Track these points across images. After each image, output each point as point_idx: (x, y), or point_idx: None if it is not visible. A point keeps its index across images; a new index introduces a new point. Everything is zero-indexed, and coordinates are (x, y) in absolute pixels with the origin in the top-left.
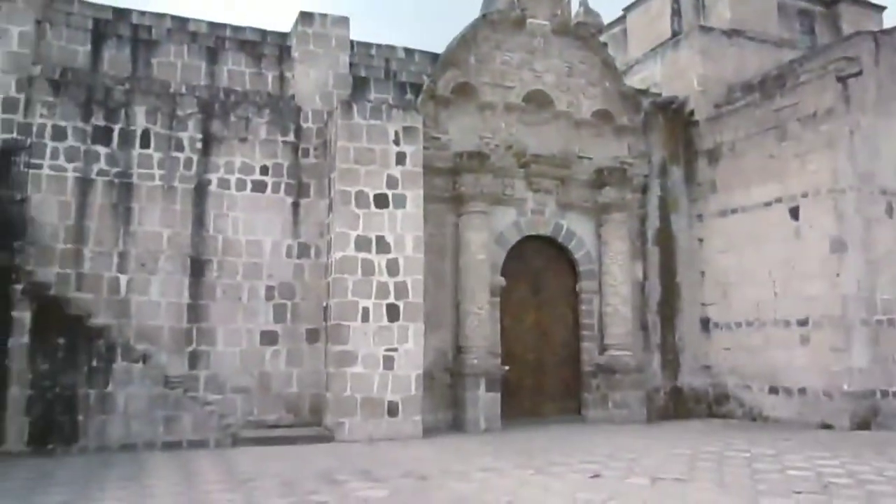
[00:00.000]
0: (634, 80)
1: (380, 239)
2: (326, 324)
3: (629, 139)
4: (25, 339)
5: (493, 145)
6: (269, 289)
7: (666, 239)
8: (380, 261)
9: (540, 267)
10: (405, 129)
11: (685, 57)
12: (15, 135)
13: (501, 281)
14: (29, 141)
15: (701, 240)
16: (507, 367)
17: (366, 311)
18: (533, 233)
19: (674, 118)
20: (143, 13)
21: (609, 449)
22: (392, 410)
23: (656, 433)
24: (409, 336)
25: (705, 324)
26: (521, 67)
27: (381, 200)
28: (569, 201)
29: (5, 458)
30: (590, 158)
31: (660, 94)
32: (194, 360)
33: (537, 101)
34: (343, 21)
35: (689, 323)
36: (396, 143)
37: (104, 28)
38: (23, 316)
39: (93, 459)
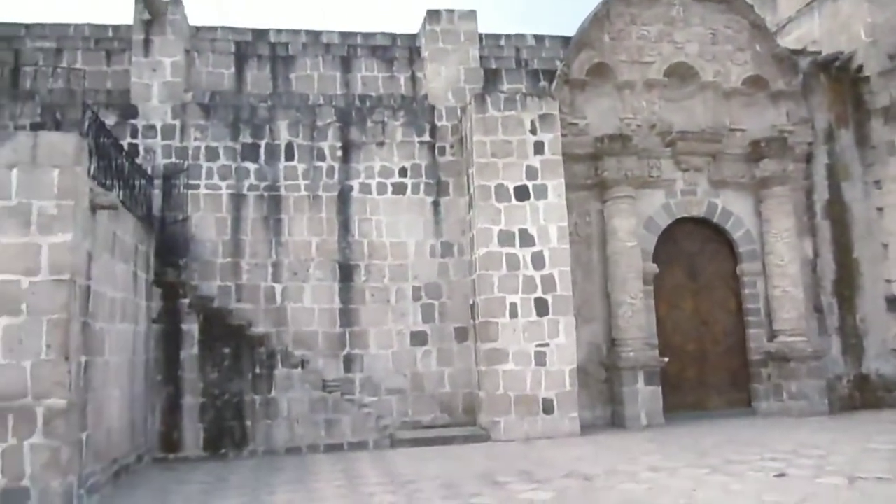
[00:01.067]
0: (788, 41)
1: (523, 232)
2: (474, 322)
3: (787, 105)
4: (195, 350)
5: (635, 126)
6: (416, 289)
7: (838, 211)
8: (524, 254)
9: (694, 251)
10: (541, 117)
11: (848, 7)
12: (174, 159)
13: (654, 268)
14: (186, 164)
15: (881, 209)
16: (666, 359)
17: (513, 306)
18: (685, 215)
19: (839, 77)
20: (279, 31)
21: (790, 444)
22: (547, 408)
23: (842, 426)
24: (560, 330)
25: (892, 302)
26: (660, 40)
27: (521, 192)
28: (722, 178)
29: (184, 463)
30: (743, 130)
31: (819, 53)
32: (349, 363)
33: (680, 74)
34: (470, 15)
35: (872, 302)
36: (533, 132)
37: (245, 50)
38: (191, 328)
39: (262, 463)
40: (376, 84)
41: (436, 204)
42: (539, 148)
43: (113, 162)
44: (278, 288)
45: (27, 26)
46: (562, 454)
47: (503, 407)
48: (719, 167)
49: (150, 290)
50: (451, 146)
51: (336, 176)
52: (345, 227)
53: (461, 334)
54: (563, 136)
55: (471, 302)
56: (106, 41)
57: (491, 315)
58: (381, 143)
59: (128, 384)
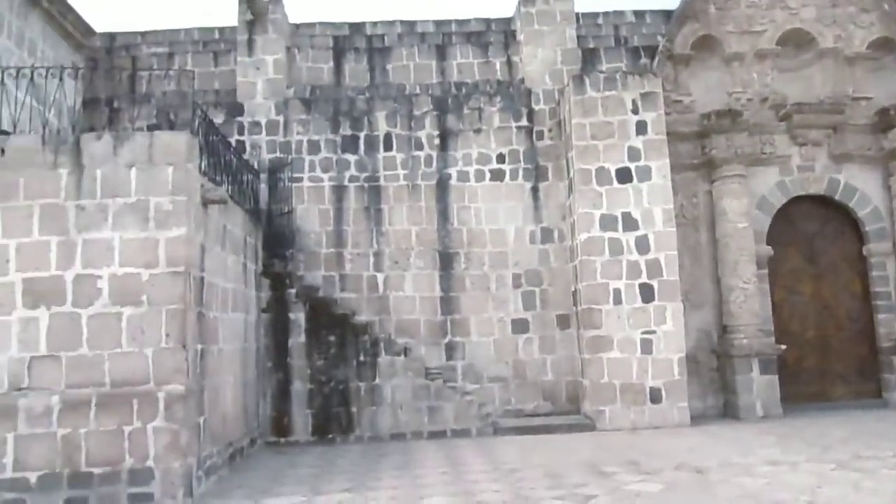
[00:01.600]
0: None
1: (626, 216)
2: (577, 308)
3: None
4: (302, 338)
5: (745, 100)
6: (516, 277)
7: None
8: (628, 239)
9: (814, 231)
10: (643, 95)
11: None
12: (278, 154)
13: (768, 250)
14: (290, 157)
15: None
16: (783, 346)
17: (617, 292)
18: (802, 193)
19: None
20: (375, 24)
21: None
22: (654, 397)
23: None
24: (668, 317)
25: None
26: (772, 7)
27: (623, 175)
28: (845, 152)
29: (294, 447)
30: (868, 98)
31: None
32: (451, 351)
33: (795, 41)
34: None
35: None
36: (635, 111)
37: (343, 44)
38: (298, 317)
39: (367, 448)
40: (472, 70)
41: (535, 189)
42: (641, 128)
43: (222, 158)
44: (380, 277)
45: (143, 34)
46: (671, 445)
47: (608, 396)
48: (841, 140)
49: (259, 281)
50: (550, 130)
51: (434, 164)
52: (444, 215)
53: (563, 321)
54: (666, 114)
55: (573, 289)
56: (213, 43)
57: (594, 302)
58: (478, 130)
59: (240, 371)
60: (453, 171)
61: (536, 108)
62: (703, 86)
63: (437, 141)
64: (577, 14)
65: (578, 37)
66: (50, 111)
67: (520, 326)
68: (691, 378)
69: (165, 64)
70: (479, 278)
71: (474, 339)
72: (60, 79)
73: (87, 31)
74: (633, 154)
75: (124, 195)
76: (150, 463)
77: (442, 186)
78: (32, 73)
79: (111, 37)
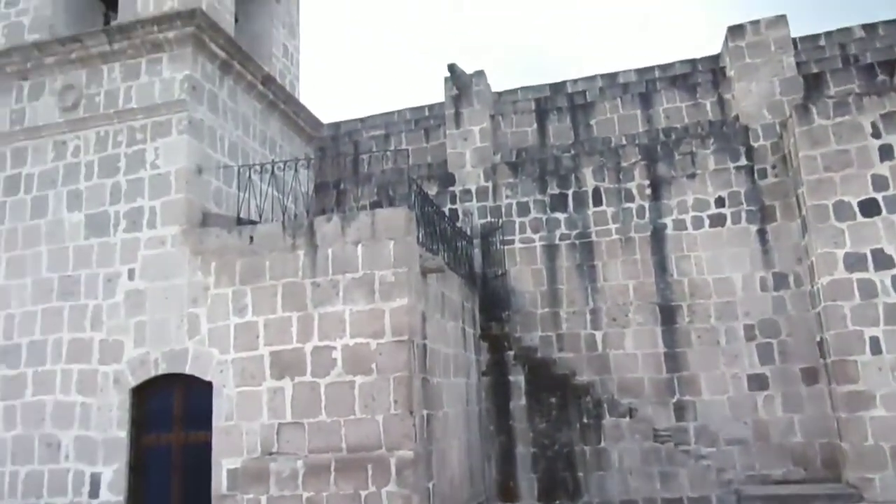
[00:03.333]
0: None
1: (877, 253)
2: (825, 361)
3: None
4: (523, 400)
5: None
6: (748, 328)
7: None
8: (882, 279)
9: None
10: (884, 116)
11: None
12: (489, 218)
13: None
14: (500, 221)
15: None
16: None
17: (874, 341)
18: None
19: None
20: (575, 81)
21: None
22: None
23: None
24: None
25: None
26: None
27: (868, 207)
28: None
29: None
30: None
31: None
32: (680, 411)
33: None
34: (779, 21)
35: None
36: (876, 135)
37: (545, 105)
38: (518, 379)
39: None
40: (680, 114)
41: (762, 232)
42: (886, 152)
43: (437, 228)
44: (598, 335)
45: (362, 120)
46: None
47: (876, 461)
48: None
49: (477, 344)
50: (773, 167)
51: (647, 215)
52: (661, 267)
53: (809, 376)
54: None
55: (817, 338)
56: (423, 120)
57: (846, 352)
58: (692, 175)
59: (464, 434)
60: (668, 221)
61: (756, 145)
62: None
63: (648, 191)
64: (793, 39)
65: (798, 63)
66: (288, 199)
67: (757, 382)
68: None
69: (383, 145)
70: (707, 332)
71: (706, 398)
72: (296, 170)
73: (317, 124)
74: (879, 183)
75: (352, 270)
76: None
77: (657, 237)
78: (273, 167)
79: (336, 126)
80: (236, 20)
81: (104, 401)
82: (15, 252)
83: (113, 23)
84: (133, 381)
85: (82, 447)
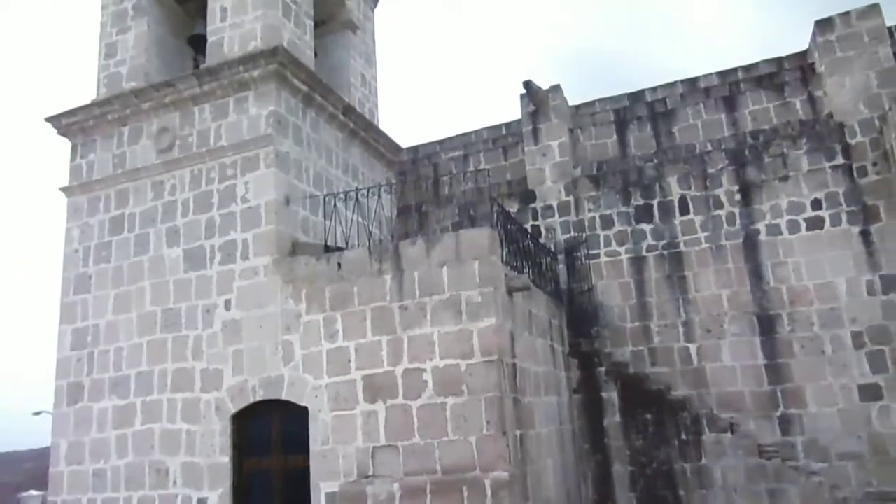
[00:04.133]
0: None
1: None
2: None
3: None
4: (617, 417)
5: None
6: (856, 335)
7: None
8: None
9: None
10: None
11: None
12: (572, 233)
13: None
14: (584, 235)
15: None
16: None
17: None
18: None
19: None
20: (654, 89)
21: None
22: None
23: None
24: None
25: None
26: None
27: None
28: None
29: None
30: None
31: None
32: (785, 425)
33: None
34: (872, 10)
35: None
36: None
37: (624, 115)
38: (611, 396)
39: None
40: (767, 116)
41: (865, 233)
42: None
43: (520, 245)
44: (692, 348)
45: (440, 142)
46: None
47: None
48: None
49: (567, 362)
50: (874, 164)
51: (737, 222)
52: (756, 274)
53: None
54: None
55: None
56: (501, 139)
57: None
58: (784, 178)
59: (558, 454)
60: (761, 226)
61: (853, 142)
62: None
63: (737, 196)
64: (889, 28)
65: (895, 53)
66: (372, 224)
67: (870, 393)
68: None
69: (462, 165)
70: (810, 341)
71: (813, 411)
72: (379, 195)
73: (396, 149)
74: None
75: (438, 292)
76: None
77: (750, 244)
78: (357, 194)
79: (415, 150)
80: (315, 54)
81: (207, 428)
82: (121, 288)
83: (202, 66)
84: (233, 408)
85: (189, 473)
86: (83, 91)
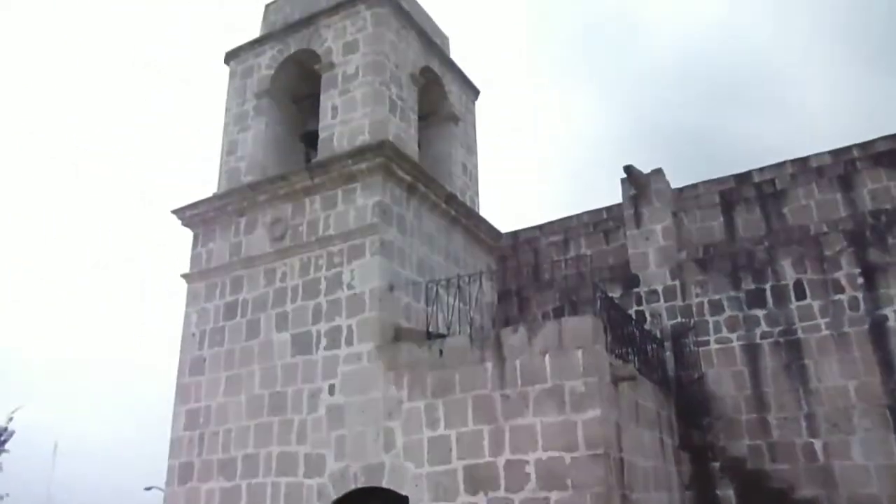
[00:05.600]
0: None
1: None
2: None
3: None
4: None
5: None
6: None
7: None
8: None
9: None
10: None
11: None
12: (679, 319)
13: None
14: (692, 321)
15: None
16: None
17: None
18: None
19: None
20: (761, 169)
21: None
22: None
23: None
24: None
25: None
26: None
27: None
28: None
29: None
30: None
31: None
32: None
33: None
34: None
35: None
36: None
37: (731, 197)
38: (727, 494)
39: None
40: (888, 195)
41: None
42: None
43: (624, 332)
44: (817, 444)
45: (540, 227)
46: None
47: None
48: None
49: (677, 455)
50: None
51: (861, 307)
52: (887, 364)
53: None
54: None
55: None
56: (602, 223)
57: None
58: None
59: None
60: (889, 312)
61: None
62: None
63: (860, 280)
64: None
65: None
66: (473, 310)
67: None
68: None
69: (562, 250)
70: None
71: None
72: (480, 283)
73: (496, 235)
74: None
75: (541, 381)
76: None
77: (878, 331)
78: (458, 281)
79: (515, 235)
80: (419, 145)
81: None
82: (232, 371)
83: (313, 160)
84: (334, 495)
85: None
86: (179, 184)
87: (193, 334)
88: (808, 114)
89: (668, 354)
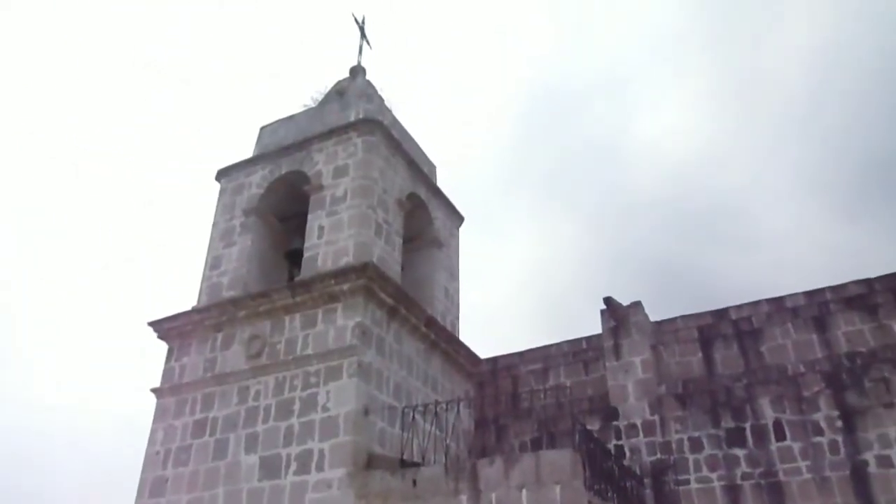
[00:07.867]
0: None
1: None
2: None
3: None
4: None
5: None
6: None
7: None
8: None
9: None
10: None
11: None
12: (658, 455)
13: None
14: (672, 458)
15: None
16: None
17: None
18: None
19: None
20: (738, 307)
21: None
22: None
23: None
24: None
25: None
26: None
27: None
28: None
29: None
30: None
31: None
32: None
33: None
34: None
35: None
36: None
37: (708, 332)
38: None
39: None
40: (863, 338)
41: None
42: None
43: (603, 467)
44: None
45: (520, 354)
46: None
47: None
48: None
49: None
50: None
51: (842, 451)
52: None
53: None
54: None
55: None
56: (581, 353)
57: None
58: (888, 405)
59: None
60: (870, 457)
61: None
62: None
63: (839, 423)
64: None
65: None
66: (449, 438)
67: None
68: None
69: (542, 379)
70: None
71: None
72: (458, 410)
73: (475, 360)
74: None
75: None
76: None
77: (858, 477)
78: (436, 407)
79: (494, 360)
80: (402, 268)
81: None
82: (194, 494)
83: (296, 278)
84: None
85: None
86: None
87: (158, 452)
88: (781, 252)
89: (648, 492)
